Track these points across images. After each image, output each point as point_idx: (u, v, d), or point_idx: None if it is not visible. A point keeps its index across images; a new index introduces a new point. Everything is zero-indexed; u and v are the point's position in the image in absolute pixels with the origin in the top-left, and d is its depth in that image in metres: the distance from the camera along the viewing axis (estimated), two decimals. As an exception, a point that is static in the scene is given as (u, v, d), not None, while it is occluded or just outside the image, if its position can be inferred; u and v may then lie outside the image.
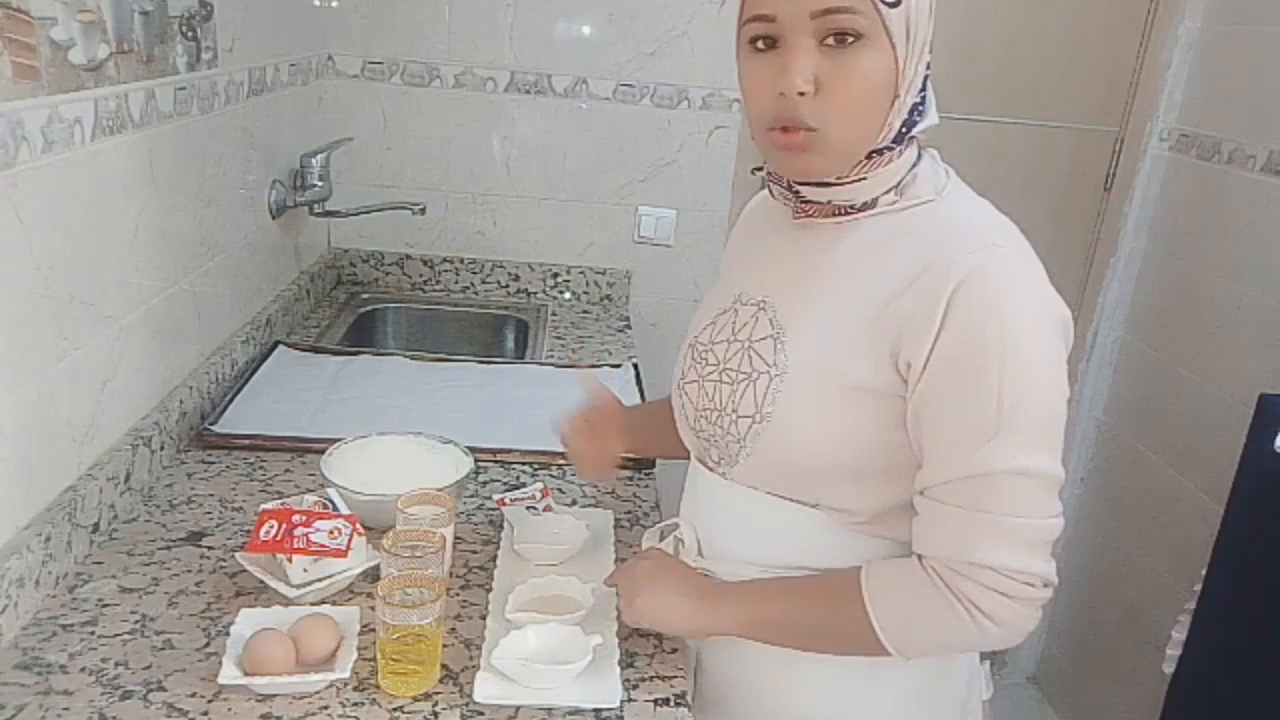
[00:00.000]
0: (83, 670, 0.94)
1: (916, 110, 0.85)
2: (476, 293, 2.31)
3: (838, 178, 0.87)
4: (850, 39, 0.80)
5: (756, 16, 0.82)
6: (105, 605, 1.04)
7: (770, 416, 0.90)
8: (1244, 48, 2.05)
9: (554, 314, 2.22)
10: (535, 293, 2.32)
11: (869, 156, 0.86)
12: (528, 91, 2.18)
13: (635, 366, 1.85)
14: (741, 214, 1.11)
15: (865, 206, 0.89)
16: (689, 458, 1.07)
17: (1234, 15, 2.09)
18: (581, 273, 2.31)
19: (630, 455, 1.19)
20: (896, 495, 0.89)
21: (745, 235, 1.07)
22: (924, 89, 0.86)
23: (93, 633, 0.99)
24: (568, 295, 2.32)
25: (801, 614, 0.91)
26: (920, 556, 0.86)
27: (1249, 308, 1.98)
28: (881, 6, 0.79)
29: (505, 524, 1.23)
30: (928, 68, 0.86)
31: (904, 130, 0.85)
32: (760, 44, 0.83)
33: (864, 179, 0.87)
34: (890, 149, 0.86)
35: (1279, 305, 1.90)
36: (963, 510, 0.82)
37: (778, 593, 0.93)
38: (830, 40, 0.80)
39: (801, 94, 0.81)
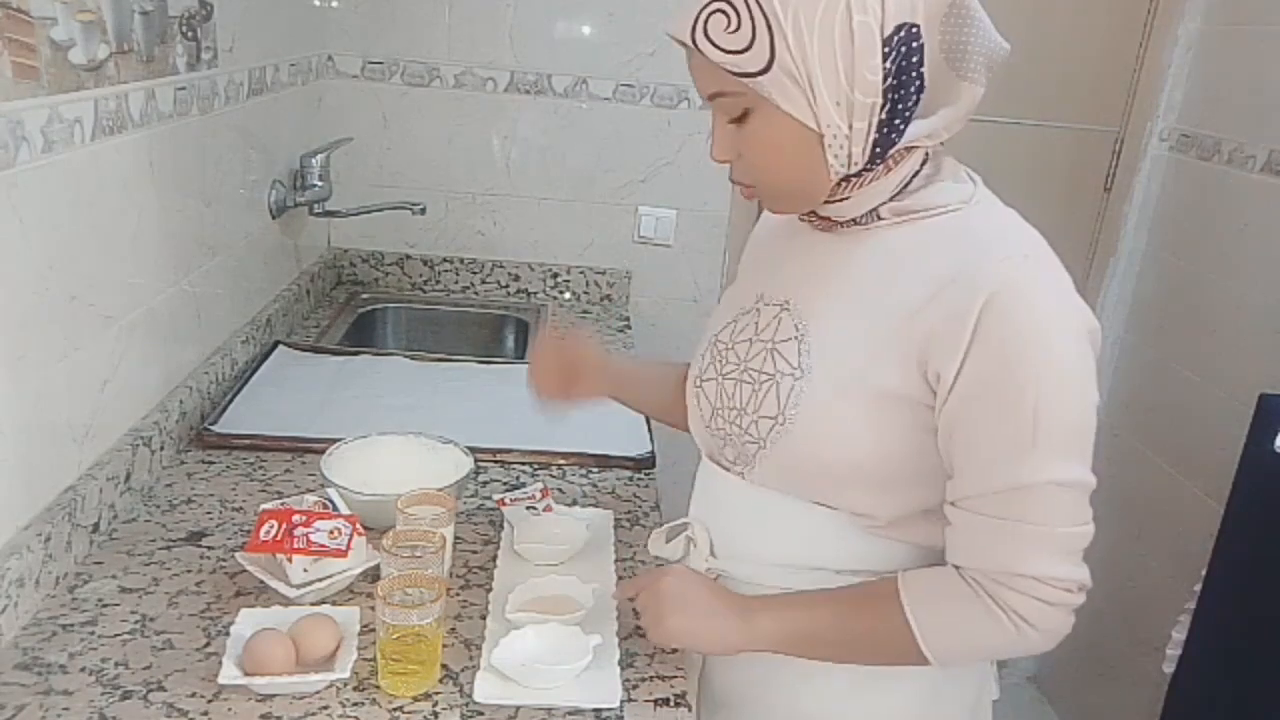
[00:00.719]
0: (83, 670, 0.94)
1: (888, 123, 0.83)
2: (476, 293, 2.31)
3: (825, 198, 0.88)
4: (744, 115, 0.85)
5: None
6: (105, 605, 1.04)
7: (792, 419, 0.89)
8: (1244, 48, 2.05)
9: (554, 314, 2.22)
10: (535, 293, 2.32)
11: (847, 180, 0.86)
12: (528, 91, 2.18)
13: (635, 366, 1.85)
14: (764, 212, 1.11)
15: (871, 217, 0.89)
16: (676, 425, 1.10)
17: (1234, 15, 2.09)
18: (581, 273, 2.31)
19: (616, 400, 1.25)
20: (916, 501, 0.89)
21: (768, 234, 1.06)
22: (901, 92, 0.82)
23: (93, 633, 0.99)
24: (568, 295, 2.32)
25: (838, 627, 0.90)
26: (957, 567, 0.86)
27: (1249, 308, 1.98)
28: (748, 81, 0.81)
29: (505, 524, 1.23)
30: (900, 72, 0.81)
31: (878, 150, 0.84)
32: None
33: (848, 198, 0.87)
34: (869, 169, 0.85)
35: (1279, 305, 1.90)
36: (1002, 521, 0.82)
37: (811, 606, 0.92)
38: (732, 120, 0.86)
39: (725, 162, 0.89)
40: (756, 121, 0.84)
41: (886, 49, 0.80)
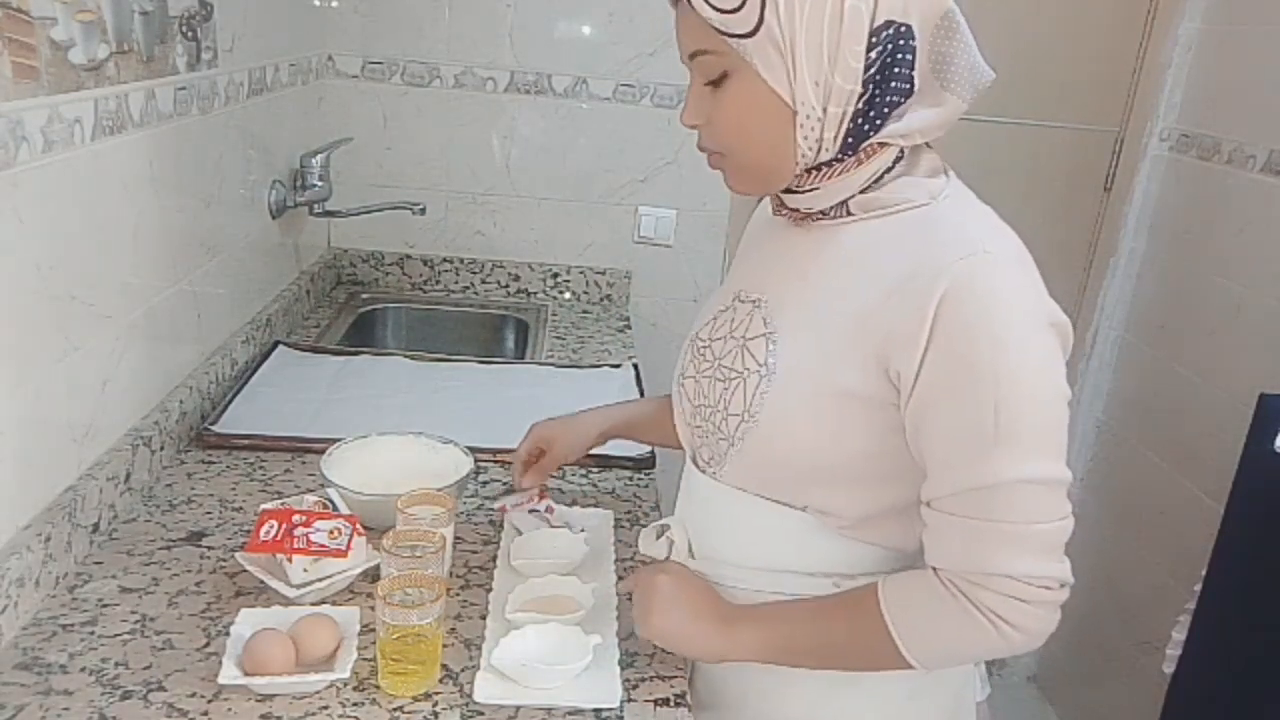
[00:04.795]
0: (83, 670, 0.94)
1: (863, 114, 0.83)
2: (476, 293, 2.31)
3: (795, 187, 0.88)
4: (722, 78, 0.84)
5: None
6: (105, 605, 1.04)
7: (757, 416, 0.89)
8: (1244, 48, 2.05)
9: (554, 314, 2.22)
10: (535, 293, 2.32)
11: (817, 169, 0.86)
12: (528, 91, 2.18)
13: (635, 366, 1.85)
14: (756, 210, 1.11)
15: (839, 210, 0.88)
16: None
17: (1234, 15, 2.09)
18: (581, 273, 2.31)
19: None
20: (883, 501, 0.89)
21: (754, 232, 1.06)
22: (881, 87, 0.81)
23: (93, 633, 0.99)
24: (568, 295, 2.32)
25: (821, 636, 0.90)
26: (935, 569, 0.85)
27: (1249, 308, 1.98)
28: (734, 41, 0.81)
29: (505, 525, 1.23)
30: (882, 66, 0.81)
31: (850, 141, 0.84)
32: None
33: (817, 189, 0.87)
34: (840, 160, 0.85)
35: (1279, 305, 1.90)
36: (973, 521, 0.81)
37: (795, 616, 0.92)
38: (710, 85, 0.86)
39: (694, 126, 0.89)
40: (734, 86, 0.84)
41: (873, 39, 0.81)
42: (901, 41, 0.81)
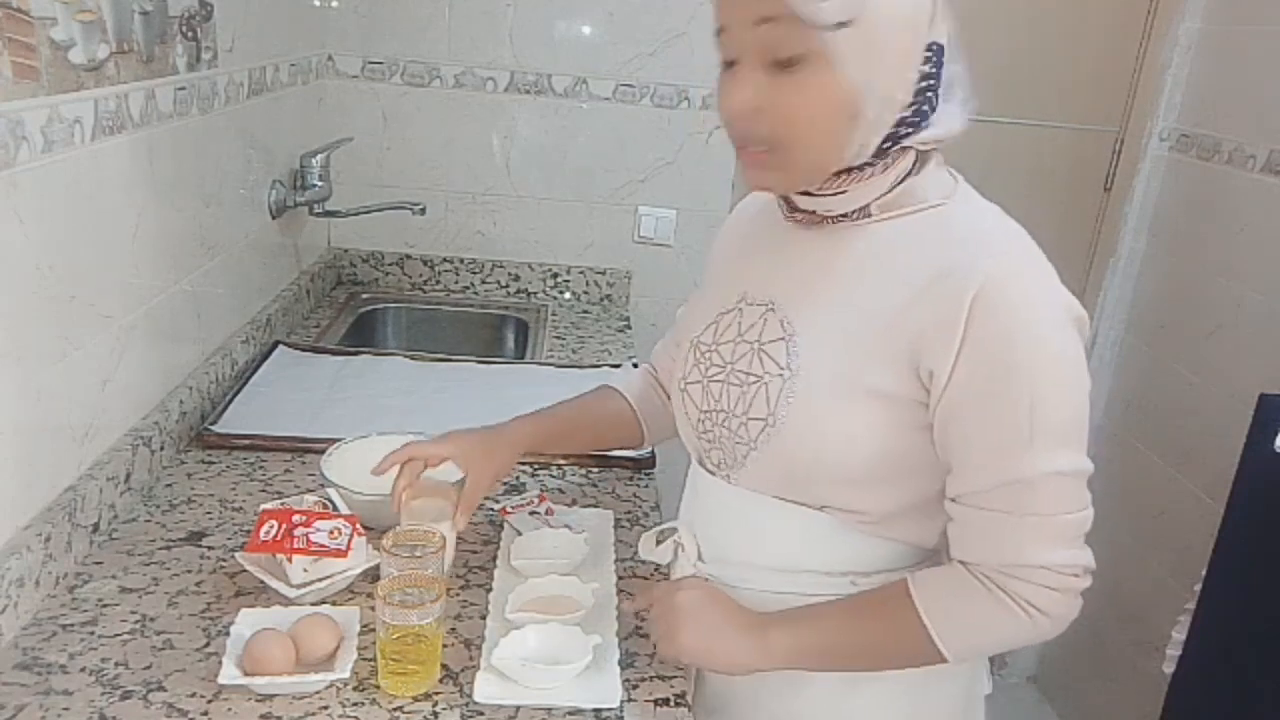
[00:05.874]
0: (83, 670, 0.94)
1: (907, 123, 0.84)
2: (476, 293, 2.31)
3: (817, 189, 0.88)
4: (793, 63, 0.79)
5: (717, 30, 0.84)
6: (105, 605, 1.04)
7: (782, 420, 0.89)
8: (1244, 48, 2.05)
9: (554, 314, 2.22)
10: (535, 293, 2.32)
11: (847, 171, 0.85)
12: (528, 91, 2.18)
13: (635, 366, 1.84)
14: (735, 210, 1.11)
15: (860, 214, 0.88)
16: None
17: (1234, 15, 2.09)
18: (581, 273, 2.31)
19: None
20: (906, 497, 0.90)
21: (743, 232, 1.06)
22: (924, 99, 0.83)
23: (93, 633, 0.99)
24: (568, 295, 2.32)
25: (853, 636, 0.90)
26: (964, 563, 0.86)
27: (1249, 308, 1.98)
28: (819, 32, 0.77)
29: (505, 526, 1.23)
30: (927, 79, 0.83)
31: (887, 145, 0.84)
32: (726, 63, 0.84)
33: (844, 191, 0.87)
34: (872, 164, 0.85)
35: (1279, 305, 1.90)
36: (1006, 515, 0.83)
37: (826, 617, 0.91)
38: (775, 65, 0.80)
39: (746, 114, 0.82)
40: (806, 73, 0.79)
41: (928, 53, 0.82)
42: (939, 59, 0.83)
